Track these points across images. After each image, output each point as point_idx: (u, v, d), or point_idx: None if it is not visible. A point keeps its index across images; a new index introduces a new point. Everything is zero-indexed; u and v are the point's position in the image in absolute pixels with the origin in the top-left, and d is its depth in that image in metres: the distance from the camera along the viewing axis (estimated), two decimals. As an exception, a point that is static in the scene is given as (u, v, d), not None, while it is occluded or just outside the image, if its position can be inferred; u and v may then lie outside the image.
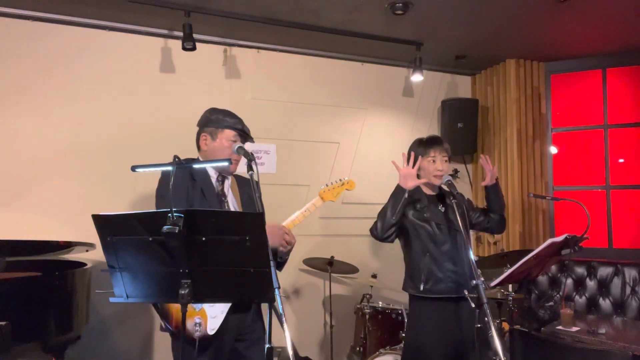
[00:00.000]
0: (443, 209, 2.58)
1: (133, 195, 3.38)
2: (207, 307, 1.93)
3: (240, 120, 2.14)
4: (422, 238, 2.51)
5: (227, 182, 2.16)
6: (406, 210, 2.50)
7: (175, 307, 1.92)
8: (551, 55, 4.18)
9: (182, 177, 2.01)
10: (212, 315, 1.92)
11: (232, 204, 2.14)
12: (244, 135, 2.14)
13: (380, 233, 2.44)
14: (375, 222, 2.47)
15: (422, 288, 2.46)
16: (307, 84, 4.00)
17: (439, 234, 2.51)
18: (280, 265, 2.15)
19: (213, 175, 2.12)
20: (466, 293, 2.21)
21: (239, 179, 2.24)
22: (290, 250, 2.11)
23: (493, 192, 2.63)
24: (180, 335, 1.92)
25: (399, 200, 2.40)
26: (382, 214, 2.46)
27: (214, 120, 2.11)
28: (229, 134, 2.10)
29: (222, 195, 2.10)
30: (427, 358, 2.43)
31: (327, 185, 2.26)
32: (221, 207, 2.07)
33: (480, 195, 4.30)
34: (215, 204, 2.04)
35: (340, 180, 2.28)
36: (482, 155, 2.68)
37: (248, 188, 2.20)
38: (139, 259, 1.54)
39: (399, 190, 2.43)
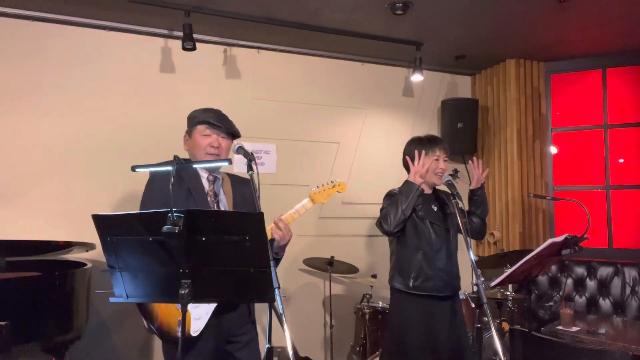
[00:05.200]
0: (436, 208, 2.61)
1: (133, 195, 3.38)
2: (191, 308, 1.89)
3: (214, 114, 2.09)
4: (416, 235, 2.54)
5: (219, 182, 2.13)
6: None
7: (158, 308, 1.90)
8: (551, 55, 4.18)
9: (166, 179, 1.98)
10: (195, 317, 1.90)
11: (223, 203, 2.11)
12: (216, 126, 2.07)
13: (392, 227, 2.46)
14: (385, 216, 2.48)
15: (411, 284, 2.51)
16: (307, 84, 4.00)
17: (432, 232, 2.55)
18: (276, 262, 2.13)
19: (203, 175, 2.09)
20: (465, 294, 2.23)
21: (233, 178, 2.22)
22: (284, 246, 2.07)
23: (478, 196, 2.66)
24: (161, 334, 1.92)
25: (411, 194, 2.45)
26: (392, 208, 2.47)
27: (189, 119, 2.13)
28: (200, 128, 2.08)
29: (212, 195, 2.08)
30: (409, 352, 2.47)
31: (317, 187, 2.24)
32: (211, 207, 2.05)
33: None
34: (204, 204, 2.02)
35: (332, 182, 2.27)
36: (472, 159, 2.69)
37: (242, 188, 2.18)
38: (139, 259, 1.54)
39: (410, 185, 2.48)
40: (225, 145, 2.11)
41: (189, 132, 2.13)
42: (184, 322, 1.54)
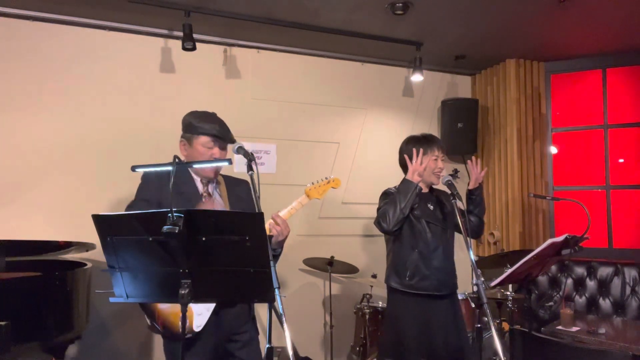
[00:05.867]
0: (432, 207, 2.60)
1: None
2: (192, 304, 1.91)
3: (217, 125, 2.08)
4: (412, 234, 2.54)
5: (212, 184, 2.14)
6: None
7: (159, 305, 1.90)
8: (551, 55, 4.18)
9: (156, 181, 1.98)
10: (197, 313, 1.91)
11: (220, 204, 2.12)
12: (220, 139, 2.08)
13: (391, 225, 2.46)
14: (384, 215, 2.48)
15: (407, 283, 2.52)
16: (307, 84, 4.00)
17: (428, 231, 2.55)
18: (274, 259, 2.13)
19: (196, 178, 2.10)
20: (465, 294, 2.23)
21: (228, 180, 2.23)
22: (282, 242, 2.07)
23: (476, 195, 2.66)
24: (164, 332, 1.92)
25: (409, 193, 2.46)
26: (391, 207, 2.47)
27: (189, 126, 2.09)
28: (204, 139, 2.05)
29: (207, 196, 2.09)
30: (405, 349, 2.47)
31: (312, 183, 2.28)
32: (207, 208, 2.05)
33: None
34: (199, 206, 2.02)
35: (326, 178, 2.31)
36: (472, 159, 2.69)
37: (237, 188, 2.19)
38: (139, 259, 1.54)
39: (408, 184, 2.48)
40: (225, 154, 2.11)
41: (189, 140, 2.09)
42: (183, 322, 1.54)
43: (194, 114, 2.12)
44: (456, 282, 2.64)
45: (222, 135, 2.07)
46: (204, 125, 2.07)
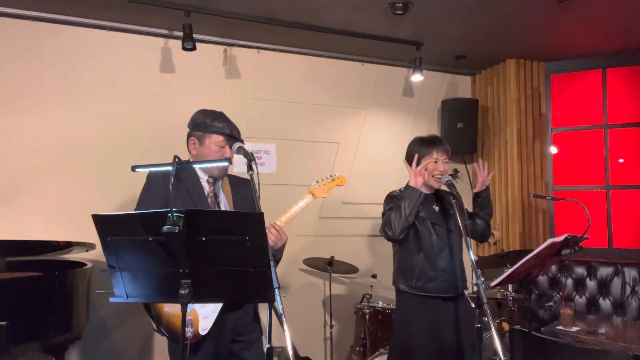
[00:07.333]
0: (437, 209, 2.59)
1: (133, 195, 3.38)
2: (197, 307, 1.91)
3: (228, 124, 2.09)
4: (417, 236, 2.52)
5: (219, 183, 2.14)
6: None
7: (164, 309, 1.90)
8: (551, 55, 4.18)
9: (162, 180, 1.98)
10: (203, 315, 1.91)
11: (224, 205, 2.12)
12: (233, 139, 2.08)
13: (397, 234, 2.42)
14: (389, 223, 2.44)
15: (414, 285, 2.50)
16: (307, 84, 4.00)
17: (433, 233, 2.52)
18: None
19: (203, 177, 2.10)
20: (466, 293, 2.22)
21: (232, 179, 2.22)
22: (281, 248, 2.07)
23: (483, 198, 2.62)
24: (171, 336, 1.92)
25: (414, 200, 2.42)
26: (396, 215, 2.43)
27: (202, 124, 2.07)
28: (217, 139, 2.06)
29: (213, 196, 2.09)
30: (415, 351, 2.46)
31: (317, 181, 2.26)
32: (212, 208, 2.05)
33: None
34: (205, 205, 2.02)
35: (330, 176, 2.29)
36: (479, 160, 2.66)
37: (242, 188, 2.19)
38: (139, 259, 1.54)
39: (412, 190, 2.44)
40: (233, 154, 2.12)
41: (200, 138, 2.08)
42: (184, 322, 1.54)
43: (205, 113, 2.11)
44: (465, 283, 2.59)
45: (235, 135, 2.09)
46: (217, 124, 2.07)
